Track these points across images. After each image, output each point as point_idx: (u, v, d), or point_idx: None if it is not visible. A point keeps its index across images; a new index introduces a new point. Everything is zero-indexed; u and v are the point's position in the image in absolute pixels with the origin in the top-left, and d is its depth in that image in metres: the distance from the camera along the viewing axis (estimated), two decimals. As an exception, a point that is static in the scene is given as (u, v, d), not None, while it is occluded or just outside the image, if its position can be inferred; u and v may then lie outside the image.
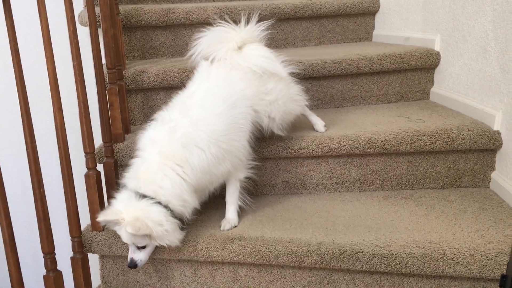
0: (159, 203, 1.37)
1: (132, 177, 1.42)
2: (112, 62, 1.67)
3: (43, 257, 1.38)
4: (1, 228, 1.24)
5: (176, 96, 1.58)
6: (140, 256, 1.44)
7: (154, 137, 1.46)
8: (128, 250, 1.45)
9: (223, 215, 1.60)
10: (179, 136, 1.42)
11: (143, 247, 1.43)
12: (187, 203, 1.43)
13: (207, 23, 2.09)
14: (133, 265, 1.43)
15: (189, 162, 1.41)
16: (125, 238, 1.40)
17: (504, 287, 0.85)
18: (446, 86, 2.01)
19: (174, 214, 1.40)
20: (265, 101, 1.62)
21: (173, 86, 1.91)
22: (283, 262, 1.45)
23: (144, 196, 1.37)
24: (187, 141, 1.42)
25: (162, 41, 2.18)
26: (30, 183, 1.32)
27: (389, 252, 1.37)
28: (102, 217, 1.39)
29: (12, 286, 1.28)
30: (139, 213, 1.34)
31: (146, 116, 1.99)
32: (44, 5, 1.30)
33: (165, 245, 1.41)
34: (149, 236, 1.37)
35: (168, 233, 1.38)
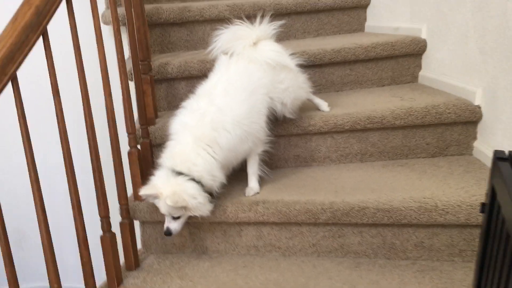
0: (193, 179, 1.61)
1: (168, 157, 1.65)
2: (144, 55, 1.91)
3: (100, 220, 1.62)
4: (70, 194, 1.48)
5: (199, 86, 1.80)
6: (175, 226, 1.67)
7: (186, 123, 1.68)
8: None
9: (246, 185, 1.85)
10: (209, 121, 1.65)
11: (178, 218, 1.67)
12: (216, 178, 1.67)
13: (218, 19, 2.36)
14: (168, 233, 1.67)
15: (218, 143, 1.65)
16: (163, 209, 1.64)
17: (483, 212, 1.11)
18: (433, 69, 2.28)
19: (205, 189, 1.65)
20: (279, 89, 1.85)
21: (194, 76, 2.15)
22: (301, 220, 1.71)
23: (179, 173, 1.61)
24: (216, 125, 1.65)
25: (179, 37, 2.43)
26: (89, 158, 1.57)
27: (390, 206, 1.64)
28: (143, 191, 1.63)
29: (78, 243, 1.52)
30: (176, 188, 1.58)
31: (170, 103, 2.24)
32: (97, 7, 1.55)
33: (198, 215, 1.65)
34: (184, 208, 1.61)
35: (201, 205, 1.63)
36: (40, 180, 1.38)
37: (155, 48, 2.39)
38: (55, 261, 1.44)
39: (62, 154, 1.47)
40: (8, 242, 1.31)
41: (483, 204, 1.11)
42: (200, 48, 2.43)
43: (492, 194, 1.03)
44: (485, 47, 1.85)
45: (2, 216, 1.28)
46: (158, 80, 2.17)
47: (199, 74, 2.11)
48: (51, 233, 1.42)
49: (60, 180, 2.09)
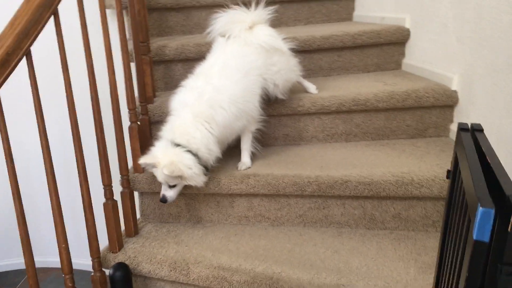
0: (190, 151, 1.74)
1: (169, 130, 1.78)
2: (143, 37, 2.03)
3: (103, 188, 1.75)
4: (76, 160, 1.61)
5: (197, 67, 1.92)
6: (170, 194, 1.81)
7: (185, 100, 1.81)
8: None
9: (239, 160, 1.99)
10: (206, 99, 1.78)
11: (174, 186, 1.80)
12: (212, 152, 1.80)
13: (214, 5, 2.48)
14: (164, 200, 1.81)
15: (215, 120, 1.78)
16: (160, 178, 1.77)
17: (449, 178, 1.26)
18: (415, 57, 2.43)
19: (201, 161, 1.78)
20: (271, 71, 1.99)
21: (190, 58, 2.28)
22: (289, 192, 1.85)
23: (178, 145, 1.74)
24: (213, 103, 1.78)
25: (175, 21, 2.55)
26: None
27: (371, 180, 1.79)
28: (142, 160, 1.77)
29: (84, 207, 1.65)
30: (173, 157, 1.71)
31: (167, 84, 2.36)
32: None
33: (192, 184, 1.78)
34: (180, 177, 1.74)
35: (196, 175, 1.76)
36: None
37: (153, 31, 2.51)
38: (63, 222, 1.56)
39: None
40: (24, 215, 1.44)
41: (448, 171, 1.25)
42: (196, 32, 2.56)
43: (456, 161, 1.18)
44: (463, 36, 1.99)
45: (19, 189, 1.41)
46: (156, 61, 2.29)
47: (195, 57, 2.23)
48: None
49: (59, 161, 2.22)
